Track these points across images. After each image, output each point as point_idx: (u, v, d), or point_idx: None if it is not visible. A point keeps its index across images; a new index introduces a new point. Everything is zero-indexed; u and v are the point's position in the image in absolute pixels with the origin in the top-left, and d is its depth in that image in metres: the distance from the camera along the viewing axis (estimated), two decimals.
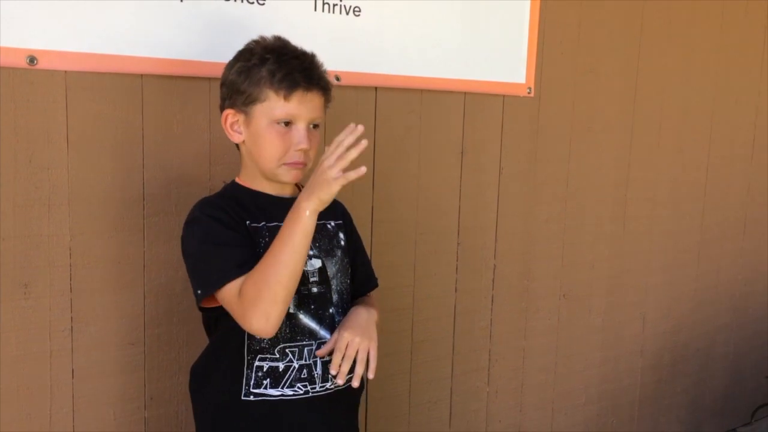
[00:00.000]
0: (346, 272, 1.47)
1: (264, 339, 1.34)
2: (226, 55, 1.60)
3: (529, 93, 2.17)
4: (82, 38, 1.45)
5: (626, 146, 2.45)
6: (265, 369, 1.36)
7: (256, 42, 1.38)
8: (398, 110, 1.92)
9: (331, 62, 1.75)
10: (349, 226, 1.53)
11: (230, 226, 1.32)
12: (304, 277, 1.37)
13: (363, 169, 1.25)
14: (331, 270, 1.43)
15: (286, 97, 1.32)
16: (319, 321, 1.40)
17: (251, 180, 1.42)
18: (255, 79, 1.33)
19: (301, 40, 1.67)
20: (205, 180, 1.62)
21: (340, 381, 1.35)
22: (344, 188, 1.81)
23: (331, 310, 1.41)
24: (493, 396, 2.25)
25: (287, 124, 1.34)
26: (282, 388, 1.36)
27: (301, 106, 1.33)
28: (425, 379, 2.08)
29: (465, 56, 2.00)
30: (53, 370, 1.50)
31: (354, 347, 1.34)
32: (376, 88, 1.86)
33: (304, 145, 1.34)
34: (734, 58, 2.77)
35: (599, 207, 2.43)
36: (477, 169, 2.10)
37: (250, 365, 1.35)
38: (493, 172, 2.14)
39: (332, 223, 1.47)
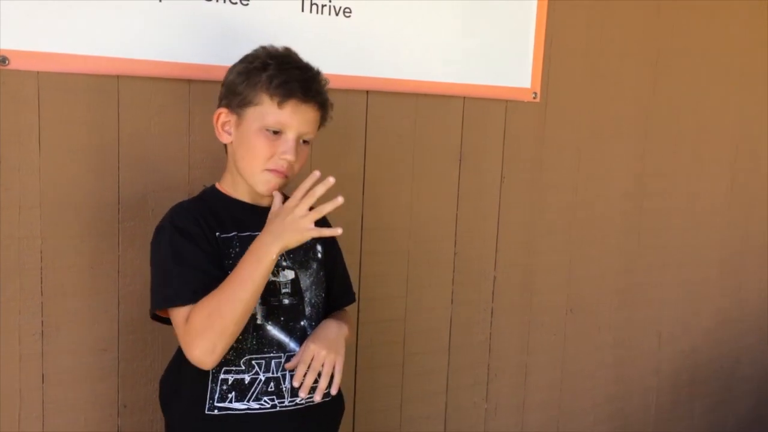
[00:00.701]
0: (321, 285, 1.42)
1: (230, 351, 1.29)
2: (207, 57, 1.58)
3: (534, 98, 2.08)
4: (55, 38, 1.42)
5: (639, 154, 2.34)
6: (230, 382, 1.31)
7: (263, 48, 1.37)
8: (391, 115, 1.85)
9: (319, 65, 1.70)
10: (329, 238, 1.46)
11: (197, 240, 1.28)
12: (275, 289, 1.34)
13: (340, 200, 1.27)
14: (305, 282, 1.38)
15: (280, 105, 1.30)
16: (289, 333, 1.35)
17: (231, 186, 1.39)
18: (253, 82, 1.32)
19: (287, 41, 1.62)
20: (183, 184, 1.58)
21: (302, 394, 1.30)
22: (332, 195, 1.78)
23: (302, 323, 1.37)
24: (491, 413, 2.16)
25: (276, 132, 1.31)
26: (248, 401, 1.31)
27: (294, 117, 1.31)
28: (418, 393, 2.01)
29: (465, 60, 1.93)
30: (22, 374, 1.48)
31: (319, 360, 1.30)
32: (367, 91, 1.80)
33: (289, 156, 1.31)
34: (763, 60, 2.63)
35: (610, 218, 2.32)
36: (476, 176, 2.02)
37: (215, 378, 1.30)
38: (494, 180, 2.06)
39: None
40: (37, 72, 1.42)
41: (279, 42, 1.43)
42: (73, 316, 1.51)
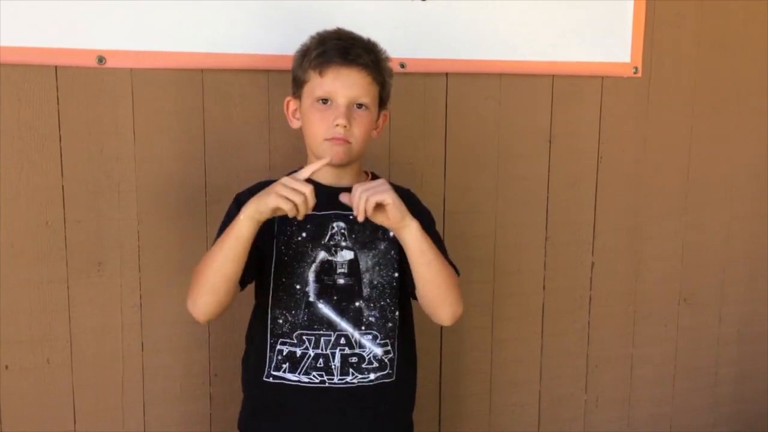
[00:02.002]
0: (391, 265, 1.42)
1: (285, 324, 1.37)
2: (284, 47, 1.65)
3: (635, 73, 1.96)
4: (145, 38, 1.57)
5: (765, 130, 2.12)
6: (285, 353, 1.38)
7: (317, 33, 1.42)
8: (473, 96, 1.83)
9: (395, 49, 1.73)
10: (417, 216, 1.41)
11: None
12: (331, 268, 1.39)
13: (325, 160, 1.31)
14: (366, 263, 1.40)
15: (321, 73, 1.35)
16: (341, 313, 1.39)
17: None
18: (301, 63, 1.40)
19: (363, 28, 1.67)
20: (264, 169, 1.68)
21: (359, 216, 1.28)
22: (413, 178, 1.80)
23: (357, 303, 1.39)
24: (592, 405, 2.06)
25: (326, 102, 1.36)
26: (299, 374, 1.38)
27: (337, 82, 1.35)
28: (509, 380, 1.97)
29: (552, 36, 1.86)
30: (124, 342, 1.64)
31: (373, 185, 1.29)
32: (446, 74, 1.80)
33: (340, 120, 1.34)
34: None
35: (732, 201, 2.13)
36: (569, 158, 1.94)
37: (273, 348, 1.39)
38: (589, 162, 1.96)
39: None
40: (131, 69, 1.57)
41: (354, 29, 1.47)
42: (167, 289, 1.65)
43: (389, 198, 1.27)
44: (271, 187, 1.25)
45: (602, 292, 2.03)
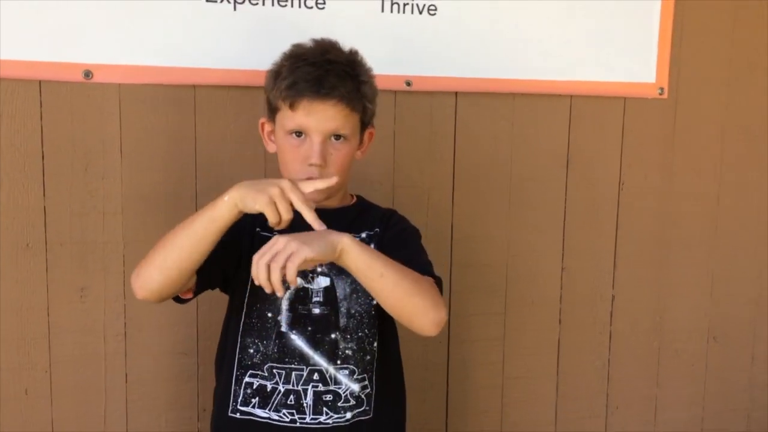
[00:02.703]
0: (368, 293, 1.32)
1: (257, 354, 1.26)
2: None
3: (660, 94, 1.83)
4: (134, 51, 1.49)
5: None
6: (254, 386, 1.27)
7: (292, 46, 1.30)
8: (484, 117, 1.72)
9: (401, 66, 1.65)
10: (388, 231, 1.33)
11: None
12: (306, 296, 1.27)
13: (333, 180, 1.17)
14: (343, 291, 1.29)
15: (292, 107, 1.23)
16: (315, 345, 1.27)
17: None
18: (272, 87, 1.28)
19: (366, 44, 1.57)
20: None
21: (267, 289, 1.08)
22: (419, 202, 1.69)
23: (333, 336, 1.27)
24: None
25: (299, 135, 1.25)
26: (269, 410, 1.26)
27: (310, 118, 1.23)
28: (521, 421, 1.84)
29: (571, 53, 1.75)
30: (107, 372, 1.55)
31: (272, 251, 1.07)
32: (456, 93, 1.69)
33: (314, 160, 1.22)
34: None
35: (765, 232, 1.97)
36: (588, 183, 1.81)
37: (239, 381, 1.27)
38: (610, 187, 1.83)
39: (363, 235, 1.32)
40: (119, 84, 1.49)
41: (358, 45, 1.36)
42: (155, 319, 1.56)
43: (298, 257, 1.05)
44: (269, 185, 1.10)
45: (624, 328, 1.89)
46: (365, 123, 1.32)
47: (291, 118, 1.24)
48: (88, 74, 1.47)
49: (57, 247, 1.49)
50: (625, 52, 1.78)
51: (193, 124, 1.54)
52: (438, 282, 1.26)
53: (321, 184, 1.17)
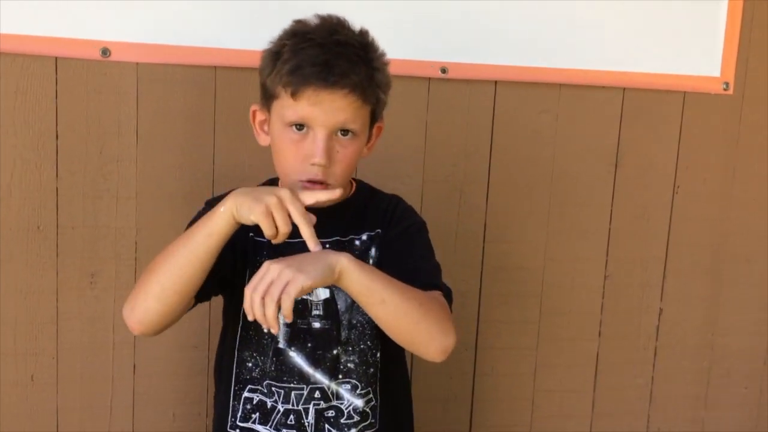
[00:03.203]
0: None
1: (255, 368, 1.16)
2: None
3: (725, 89, 1.66)
4: (154, 30, 1.42)
5: None
6: (254, 402, 1.17)
7: (294, 22, 1.14)
8: (525, 109, 1.59)
9: (436, 52, 1.53)
10: (391, 230, 1.19)
11: None
12: (305, 309, 1.15)
13: (337, 192, 1.04)
14: (344, 302, 1.16)
15: (294, 96, 1.06)
16: (315, 363, 1.15)
17: (284, 185, 1.19)
18: (269, 70, 1.10)
19: (398, 28, 1.49)
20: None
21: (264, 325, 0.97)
22: (450, 198, 1.58)
23: (335, 351, 1.16)
24: None
25: (301, 128, 1.09)
26: (270, 427, 1.16)
27: (315, 108, 1.06)
28: None
29: (625, 42, 1.60)
30: (115, 362, 1.50)
31: (266, 281, 0.96)
32: (495, 81, 1.56)
33: (317, 159, 1.07)
34: None
35: None
36: (638, 185, 1.66)
37: (237, 396, 1.17)
38: (663, 190, 1.68)
39: (364, 237, 1.19)
40: (137, 63, 1.42)
41: (390, 31, 1.28)
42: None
43: (294, 288, 0.94)
44: (267, 194, 0.98)
45: (671, 344, 1.73)
46: (375, 116, 1.16)
47: (292, 108, 1.08)
48: (105, 52, 1.40)
49: (68, 230, 1.44)
50: (687, 42, 1.62)
51: (213, 107, 1.46)
52: (447, 294, 1.14)
53: (323, 196, 1.04)
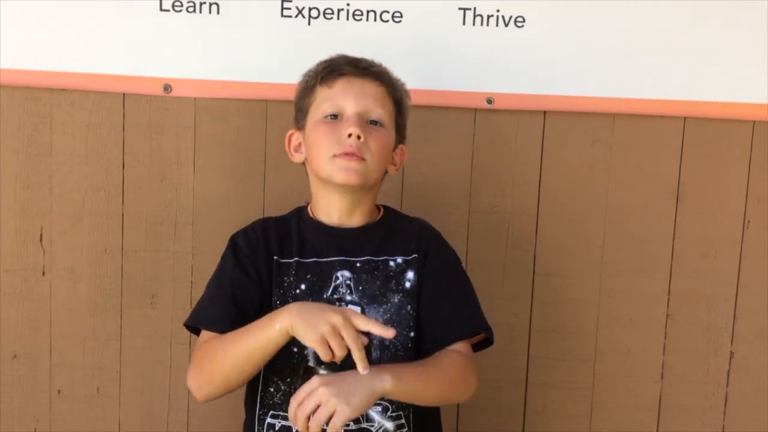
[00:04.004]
0: (406, 323, 1.22)
1: (277, 393, 1.21)
2: None
3: None
4: (211, 67, 1.51)
5: None
6: (276, 428, 1.20)
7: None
8: (576, 139, 1.55)
9: (483, 82, 1.54)
10: (430, 262, 1.24)
11: (244, 265, 1.24)
12: None
13: (390, 333, 1.06)
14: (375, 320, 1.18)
15: (330, 85, 1.23)
16: None
17: (315, 206, 1.31)
18: (307, 88, 1.27)
19: (444, 59, 1.52)
20: None
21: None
22: (497, 229, 1.56)
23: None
24: None
25: (336, 117, 1.22)
26: None
27: (347, 91, 1.22)
28: None
29: (685, 69, 1.53)
30: (171, 380, 1.58)
31: (314, 401, 1.04)
32: (544, 112, 1.54)
33: (352, 129, 1.18)
34: None
35: None
36: (703, 219, 1.57)
37: (261, 421, 1.21)
38: (732, 225, 1.57)
39: (399, 260, 1.24)
40: (195, 98, 1.52)
41: (435, 62, 1.43)
42: None
43: (340, 420, 1.02)
44: (321, 321, 1.04)
45: (743, 390, 1.60)
46: (399, 127, 1.27)
47: (328, 97, 1.22)
48: (167, 88, 1.52)
49: (132, 253, 1.55)
50: (755, 69, 1.52)
51: (264, 137, 1.54)
52: (489, 333, 1.25)
53: (377, 330, 1.06)
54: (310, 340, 1.04)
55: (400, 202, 1.54)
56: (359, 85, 1.22)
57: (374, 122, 1.22)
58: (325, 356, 1.04)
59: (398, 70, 1.36)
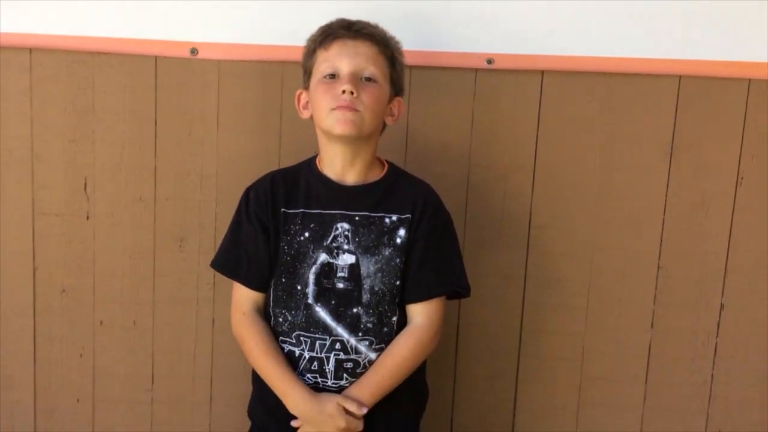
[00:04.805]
0: (395, 273, 1.36)
1: (285, 323, 1.38)
2: None
3: None
4: (234, 31, 1.65)
5: None
6: (285, 351, 1.39)
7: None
8: (573, 98, 1.62)
9: (482, 43, 1.63)
10: (418, 224, 1.38)
11: (254, 217, 1.42)
12: (331, 271, 1.35)
13: (363, 411, 1.33)
14: (368, 268, 1.35)
15: (326, 47, 1.37)
16: (337, 318, 1.35)
17: (321, 158, 1.45)
18: (309, 51, 1.42)
19: (445, 20, 1.61)
20: None
21: None
22: (496, 184, 1.66)
23: (355, 310, 1.35)
24: None
25: (333, 77, 1.36)
26: (297, 372, 1.37)
27: (341, 52, 1.35)
28: (599, 427, 1.71)
29: (680, 29, 1.58)
30: (198, 315, 1.75)
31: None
32: (542, 71, 1.62)
33: (346, 86, 1.32)
34: None
35: None
36: (696, 175, 1.62)
37: None
38: (725, 182, 1.62)
39: (393, 217, 1.38)
40: (218, 60, 1.67)
41: (437, 24, 1.54)
42: None
43: None
44: (318, 418, 1.33)
45: (734, 342, 1.66)
46: (395, 81, 1.40)
47: (325, 59, 1.36)
48: (193, 51, 1.67)
49: (163, 201, 1.72)
50: (752, 27, 1.55)
51: (280, 97, 1.67)
52: (466, 290, 1.43)
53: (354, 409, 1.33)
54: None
55: (404, 158, 1.66)
56: (352, 46, 1.35)
57: (368, 79, 1.35)
58: None
59: (403, 33, 1.48)
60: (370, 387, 1.34)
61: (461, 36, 1.60)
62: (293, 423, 1.35)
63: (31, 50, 1.68)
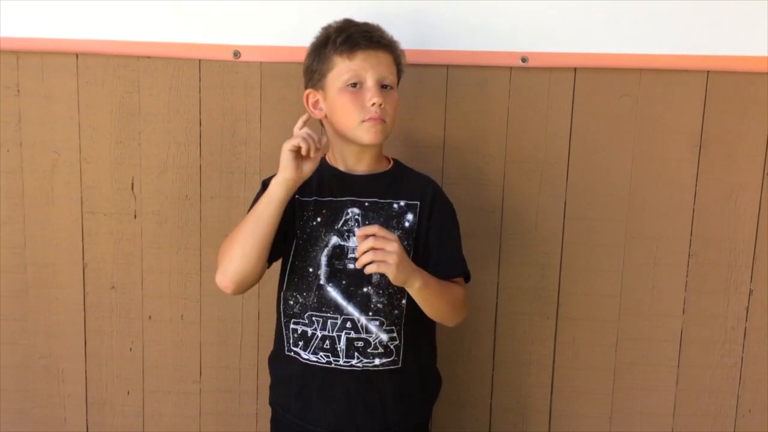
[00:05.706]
0: None
1: (296, 305, 1.45)
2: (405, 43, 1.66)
3: None
4: (275, 34, 1.71)
5: None
6: (299, 332, 1.46)
7: (325, 27, 1.50)
8: (605, 94, 1.68)
9: (516, 42, 1.68)
10: (430, 210, 1.46)
11: None
12: (342, 252, 1.42)
13: (324, 140, 1.39)
14: None
15: (350, 57, 1.41)
16: (348, 297, 1.42)
17: (333, 155, 1.52)
18: (322, 54, 1.45)
19: (482, 20, 1.66)
20: None
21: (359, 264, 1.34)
22: (531, 177, 1.71)
23: (366, 289, 1.42)
24: None
25: (356, 85, 1.41)
26: (309, 353, 1.45)
27: (366, 63, 1.41)
28: (634, 409, 1.78)
29: (708, 25, 1.63)
30: (244, 308, 1.82)
31: (385, 244, 1.31)
32: (575, 68, 1.67)
33: (376, 99, 1.39)
34: None
35: None
36: (724, 167, 1.68)
37: (287, 327, 1.48)
38: (752, 173, 1.68)
39: (402, 203, 1.45)
40: (261, 62, 1.73)
41: (474, 24, 1.61)
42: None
43: (391, 272, 1.30)
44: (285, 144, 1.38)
45: (761, 325, 1.73)
46: (398, 83, 1.48)
47: (348, 68, 1.41)
48: (236, 54, 1.72)
49: (209, 199, 1.78)
50: None
51: None
52: (467, 277, 1.50)
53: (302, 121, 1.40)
54: (283, 158, 1.35)
55: (442, 153, 1.72)
56: (374, 56, 1.42)
57: (385, 86, 1.43)
58: (305, 147, 1.34)
59: (440, 34, 1.56)
60: (430, 276, 1.39)
61: (497, 36, 1.65)
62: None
63: (77, 55, 1.74)
